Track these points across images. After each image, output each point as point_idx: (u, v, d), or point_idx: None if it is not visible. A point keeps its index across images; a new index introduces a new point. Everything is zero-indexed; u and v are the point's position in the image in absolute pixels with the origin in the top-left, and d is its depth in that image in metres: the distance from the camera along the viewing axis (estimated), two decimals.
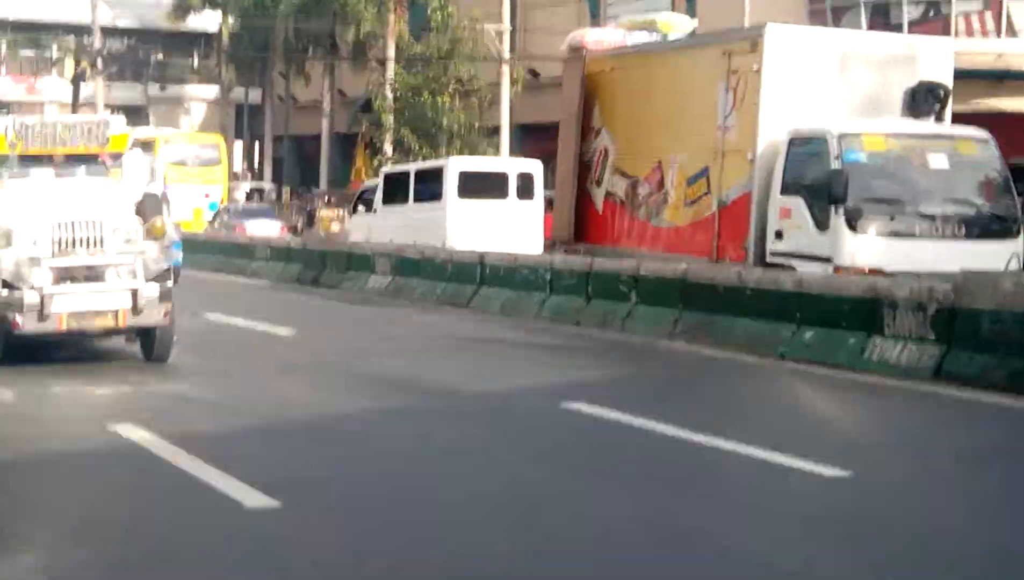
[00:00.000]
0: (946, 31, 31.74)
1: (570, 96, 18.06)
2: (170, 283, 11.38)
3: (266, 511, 6.65)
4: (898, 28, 31.93)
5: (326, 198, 39.13)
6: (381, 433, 9.11)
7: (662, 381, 12.17)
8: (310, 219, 38.00)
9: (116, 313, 11.08)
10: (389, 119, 35.39)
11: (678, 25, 18.54)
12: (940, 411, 10.42)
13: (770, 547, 6.25)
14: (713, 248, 15.21)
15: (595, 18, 37.22)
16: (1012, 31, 32.08)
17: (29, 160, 12.22)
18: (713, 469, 8.03)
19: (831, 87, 14.74)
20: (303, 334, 14.81)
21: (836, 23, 33.13)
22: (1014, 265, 12.87)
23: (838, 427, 9.78)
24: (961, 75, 29.95)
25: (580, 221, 17.93)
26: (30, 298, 10.85)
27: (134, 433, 8.61)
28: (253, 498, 6.82)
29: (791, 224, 14.19)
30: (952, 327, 11.46)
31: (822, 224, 13.76)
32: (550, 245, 19.73)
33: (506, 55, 34.37)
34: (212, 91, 53.37)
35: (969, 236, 13.68)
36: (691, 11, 35.34)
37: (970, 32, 32.58)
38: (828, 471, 7.64)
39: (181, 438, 8.39)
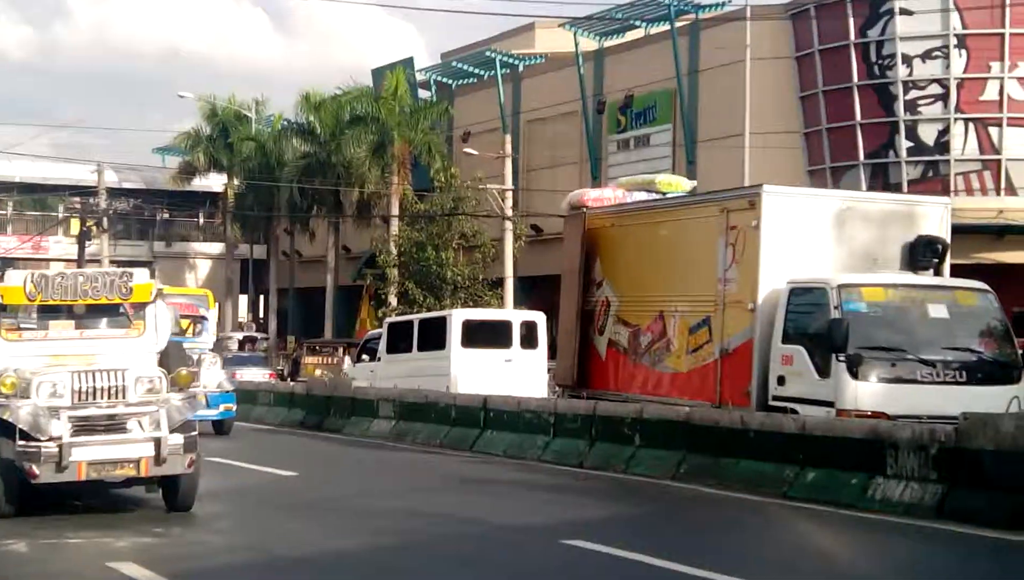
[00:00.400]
0: (945, 190, 32.61)
1: (572, 251, 18.61)
2: (195, 432, 11.20)
3: None
4: (897, 187, 32.81)
5: (314, 346, 39.53)
6: (380, 566, 9.21)
7: (663, 518, 12.31)
8: (295, 366, 38.45)
9: (138, 462, 10.87)
10: (394, 273, 36.00)
11: (677, 185, 19.14)
12: (938, 546, 10.53)
13: None
14: (716, 393, 15.44)
15: (596, 180, 38.13)
16: (1011, 189, 32.84)
17: (49, 311, 12.23)
18: None
19: (829, 242, 15.18)
20: (307, 475, 14.89)
21: (835, 182, 33.97)
22: (1015, 407, 13.01)
23: (835, 561, 9.84)
24: (963, 230, 30.84)
25: (584, 368, 18.22)
26: (48, 448, 10.65)
27: (133, 570, 8.73)
28: None
29: (793, 370, 14.42)
30: (954, 467, 11.61)
31: (823, 370, 13.99)
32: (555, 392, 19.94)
33: (509, 212, 35.11)
34: (217, 248, 54.20)
35: (970, 381, 13.87)
36: (691, 173, 36.30)
37: (969, 190, 33.39)
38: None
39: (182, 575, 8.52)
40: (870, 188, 32.82)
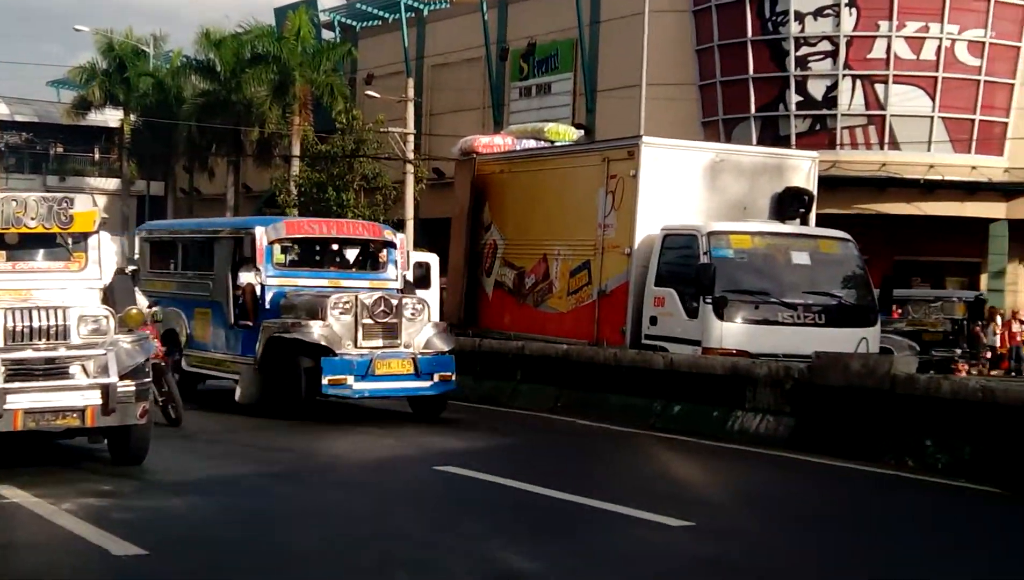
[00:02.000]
0: (832, 143, 33.77)
1: (462, 194, 19.30)
2: (148, 379, 10.15)
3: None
4: (786, 140, 33.88)
5: None
6: (264, 492, 9.82)
7: (534, 447, 13.11)
8: None
9: (83, 411, 9.70)
10: (294, 213, 36.21)
11: (565, 134, 19.84)
12: (787, 473, 11.44)
13: None
14: (594, 332, 16.26)
15: (498, 126, 38.62)
16: (895, 143, 34.04)
17: None
18: (567, 521, 8.79)
19: (702, 192, 16.02)
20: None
21: (728, 134, 34.94)
22: (863, 348, 13.97)
23: (690, 485, 10.69)
24: (848, 182, 32.05)
25: (472, 308, 18.93)
26: None
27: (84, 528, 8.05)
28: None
29: (664, 311, 15.28)
30: (806, 401, 12.57)
31: (692, 312, 14.86)
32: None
33: (410, 156, 35.53)
34: (113, 184, 53.65)
35: (828, 323, 14.83)
36: (591, 122, 37.06)
37: (854, 144, 34.54)
38: (675, 522, 8.51)
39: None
40: (760, 140, 33.82)
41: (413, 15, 43.58)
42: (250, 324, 14.78)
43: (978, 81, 33.81)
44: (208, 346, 15.50)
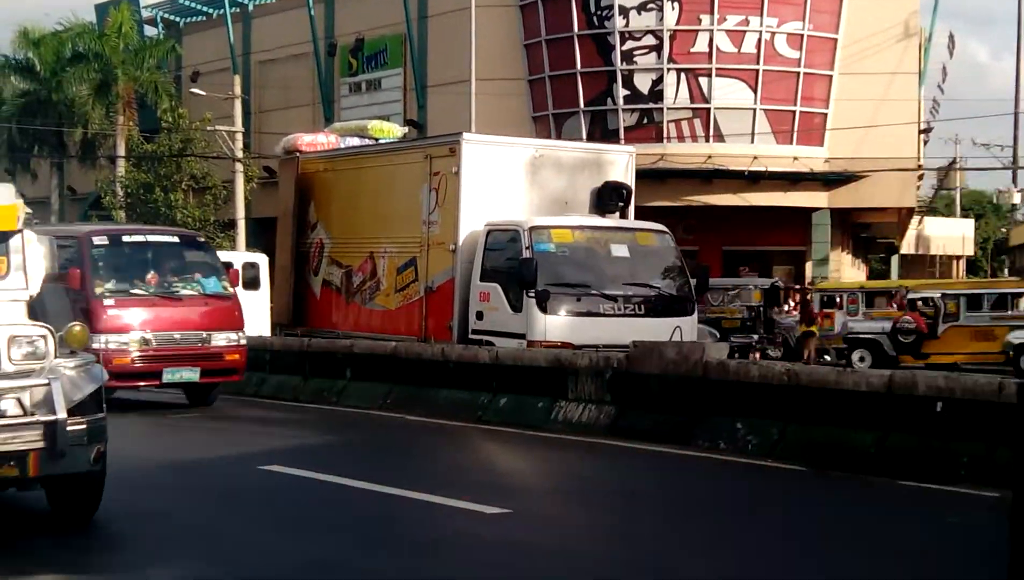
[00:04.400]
0: (659, 136, 34.52)
1: (286, 194, 19.26)
2: (102, 414, 8.00)
3: None
4: (615, 133, 34.50)
5: None
6: None
7: (362, 444, 13.22)
8: None
9: (23, 458, 7.54)
10: (120, 215, 35.44)
11: (389, 131, 19.94)
12: (605, 460, 11.78)
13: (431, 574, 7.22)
14: (421, 328, 16.42)
15: (329, 122, 38.39)
16: (720, 136, 34.94)
17: None
18: (386, 513, 8.94)
19: (524, 187, 16.33)
20: None
21: (558, 128, 35.42)
22: (677, 337, 14.43)
23: (511, 475, 10.93)
24: (675, 174, 32.79)
25: (300, 307, 18.90)
26: None
27: None
28: None
29: (490, 306, 15.53)
30: (625, 390, 12.92)
31: (517, 306, 15.16)
32: (275, 330, 20.52)
33: (239, 154, 35.11)
34: None
35: (647, 313, 15.28)
36: (422, 117, 37.14)
37: (681, 137, 35.35)
38: (490, 510, 8.72)
39: None
40: (590, 134, 34.39)
41: (238, 10, 43.02)
42: None
43: (798, 73, 34.90)
44: None
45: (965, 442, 10.15)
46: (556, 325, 14.86)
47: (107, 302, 14.78)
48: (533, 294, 14.83)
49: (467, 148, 16.05)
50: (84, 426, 7.79)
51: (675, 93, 35.11)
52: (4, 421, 7.62)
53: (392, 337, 16.49)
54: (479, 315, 15.67)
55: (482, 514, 8.63)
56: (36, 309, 8.85)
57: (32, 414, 7.65)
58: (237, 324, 15.58)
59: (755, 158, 34.31)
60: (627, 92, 35.32)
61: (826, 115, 35.25)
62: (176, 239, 16.33)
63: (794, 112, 35.10)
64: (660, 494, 10.08)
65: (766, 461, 11.16)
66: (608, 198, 16.60)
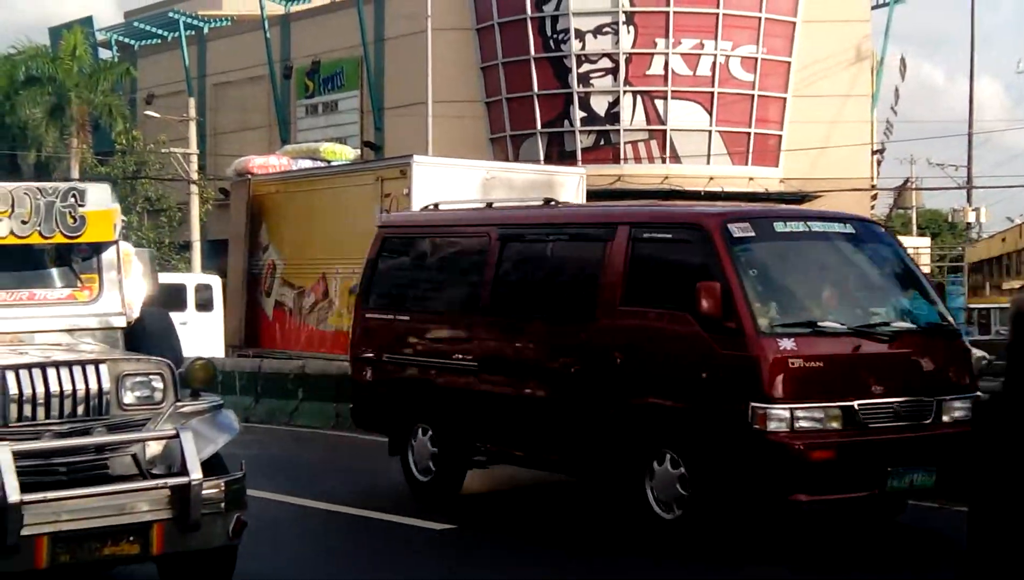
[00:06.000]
0: (616, 158, 34.71)
1: (238, 216, 19.25)
2: (241, 473, 6.34)
3: None
4: (572, 155, 34.64)
5: None
6: None
7: (311, 463, 13.18)
8: None
9: (145, 532, 5.97)
10: None
11: (341, 154, 19.94)
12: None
13: None
14: None
15: (286, 143, 38.31)
16: (676, 157, 35.17)
17: None
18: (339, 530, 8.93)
19: None
20: None
21: (516, 150, 35.50)
22: None
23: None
24: (632, 194, 32.93)
25: (253, 328, 18.81)
26: None
27: None
28: None
29: None
30: None
31: None
32: (228, 351, 20.40)
33: (194, 176, 34.97)
34: None
35: None
36: (379, 139, 37.13)
37: (638, 158, 35.54)
38: (438, 526, 8.62)
39: None
40: (547, 156, 34.51)
41: (193, 33, 42.91)
42: None
43: (752, 96, 35.25)
44: None
45: None
46: None
47: (783, 345, 7.88)
48: None
49: (417, 170, 16.05)
50: (221, 490, 6.12)
51: (631, 115, 35.34)
52: (119, 486, 6.02)
53: (345, 357, 16.37)
54: None
55: (430, 530, 8.67)
56: (132, 338, 7.24)
57: (154, 475, 6.14)
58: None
59: (711, 179, 34.61)
60: (584, 114, 35.49)
61: (780, 136, 35.60)
62: (854, 229, 9.09)
63: (749, 133, 35.42)
64: None
65: None
66: None
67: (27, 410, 6.00)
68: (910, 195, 53.80)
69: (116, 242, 7.30)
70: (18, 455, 5.72)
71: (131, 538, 5.95)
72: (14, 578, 5.74)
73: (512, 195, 16.59)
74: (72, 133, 38.81)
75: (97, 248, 7.27)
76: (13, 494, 5.58)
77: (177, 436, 6.09)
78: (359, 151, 21.39)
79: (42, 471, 5.95)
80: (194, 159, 35.27)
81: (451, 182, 16.31)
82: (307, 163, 19.59)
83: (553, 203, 10.74)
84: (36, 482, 5.81)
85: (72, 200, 7.11)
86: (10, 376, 6.02)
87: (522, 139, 36.09)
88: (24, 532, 5.60)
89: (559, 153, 35.09)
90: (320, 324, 17.61)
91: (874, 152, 38.08)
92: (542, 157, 34.24)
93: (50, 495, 5.75)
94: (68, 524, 5.76)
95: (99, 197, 7.25)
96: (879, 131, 40.03)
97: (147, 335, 7.29)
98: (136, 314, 7.30)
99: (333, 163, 19.36)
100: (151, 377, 6.38)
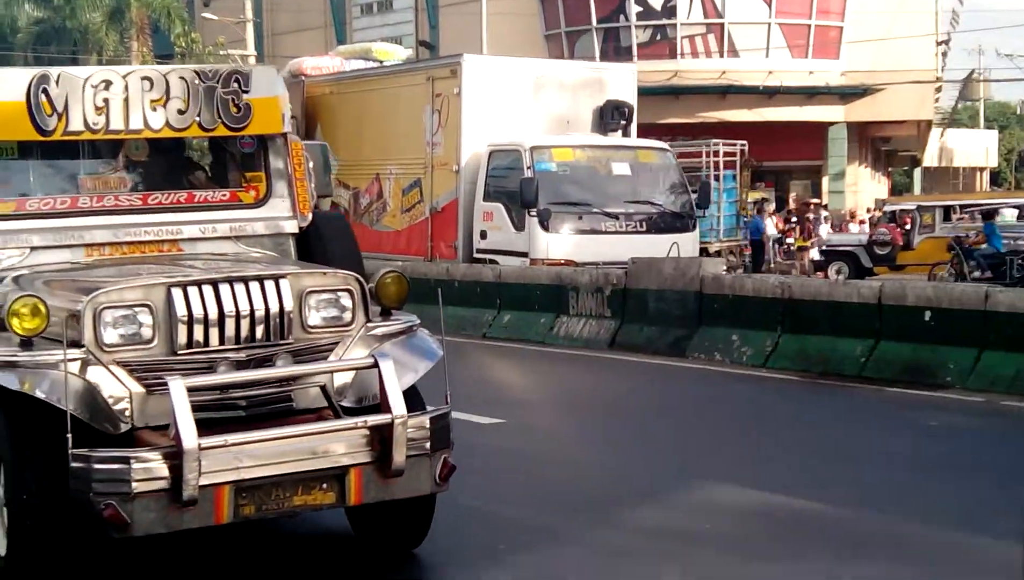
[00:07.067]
0: (672, 53, 34.34)
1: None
2: (445, 407, 5.42)
3: None
4: (628, 51, 34.31)
5: None
6: None
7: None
8: None
9: (341, 479, 5.06)
10: None
11: (392, 54, 20.03)
12: (605, 372, 12.07)
13: None
14: (427, 248, 16.67)
15: (342, 44, 38.37)
16: (734, 51, 34.75)
17: (63, 155, 6.22)
18: None
19: (526, 107, 16.43)
20: None
21: (571, 47, 35.27)
22: (674, 252, 14.61)
23: (509, 388, 11.24)
24: (689, 91, 32.67)
25: None
26: (147, 463, 4.74)
27: None
28: None
29: (493, 225, 15.77)
30: (624, 305, 13.16)
31: (519, 225, 15.38)
32: None
33: None
34: None
35: (648, 230, 15.45)
36: (434, 37, 37.04)
37: (695, 53, 35.15)
38: (486, 420, 9.00)
39: None
40: (602, 52, 34.22)
41: None
42: None
43: None
44: None
45: (952, 349, 10.37)
46: (558, 243, 15.07)
47: None
48: (535, 213, 15.03)
49: (468, 69, 16.15)
50: (426, 427, 5.20)
51: (688, 9, 34.80)
52: (311, 426, 5.11)
53: (399, 257, 16.74)
54: (483, 234, 15.90)
55: (477, 424, 8.89)
56: (305, 247, 6.25)
57: (346, 410, 5.28)
58: None
59: (770, 73, 34.16)
60: (640, 8, 35.02)
61: (842, 28, 34.94)
62: None
63: (809, 26, 34.81)
64: (654, 404, 10.37)
65: (760, 371, 11.42)
66: (610, 117, 16.70)
67: (198, 335, 5.07)
68: (977, 87, 52.82)
69: (285, 134, 6.35)
70: (192, 390, 4.86)
71: (324, 486, 5.04)
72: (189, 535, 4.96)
73: (562, 93, 16.72)
74: (132, 37, 39.11)
75: (263, 141, 6.33)
76: (190, 438, 4.70)
77: (376, 365, 5.15)
78: (412, 51, 21.42)
79: (219, 407, 5.09)
80: (252, 61, 35.44)
81: (501, 81, 16.44)
82: (360, 64, 19.72)
83: None
84: (213, 421, 4.97)
85: (235, 85, 6.16)
86: (176, 295, 5.07)
87: (577, 36, 35.77)
88: (204, 482, 4.74)
89: (614, 49, 34.77)
90: (375, 224, 17.91)
91: (939, 43, 37.31)
92: (597, 54, 33.96)
93: (231, 438, 4.84)
94: (252, 471, 4.87)
95: (265, 82, 6.30)
96: (944, 21, 39.16)
97: (322, 242, 6.25)
98: (308, 218, 6.33)
99: (385, 63, 19.49)
100: (339, 293, 5.40)
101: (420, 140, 16.78)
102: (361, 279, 5.46)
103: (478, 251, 15.94)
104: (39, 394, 4.80)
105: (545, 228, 15.08)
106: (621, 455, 8.16)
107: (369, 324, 5.45)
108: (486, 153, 15.89)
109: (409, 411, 5.11)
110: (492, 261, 15.44)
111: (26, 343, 4.92)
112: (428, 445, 5.19)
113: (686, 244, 15.23)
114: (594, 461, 7.98)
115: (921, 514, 6.47)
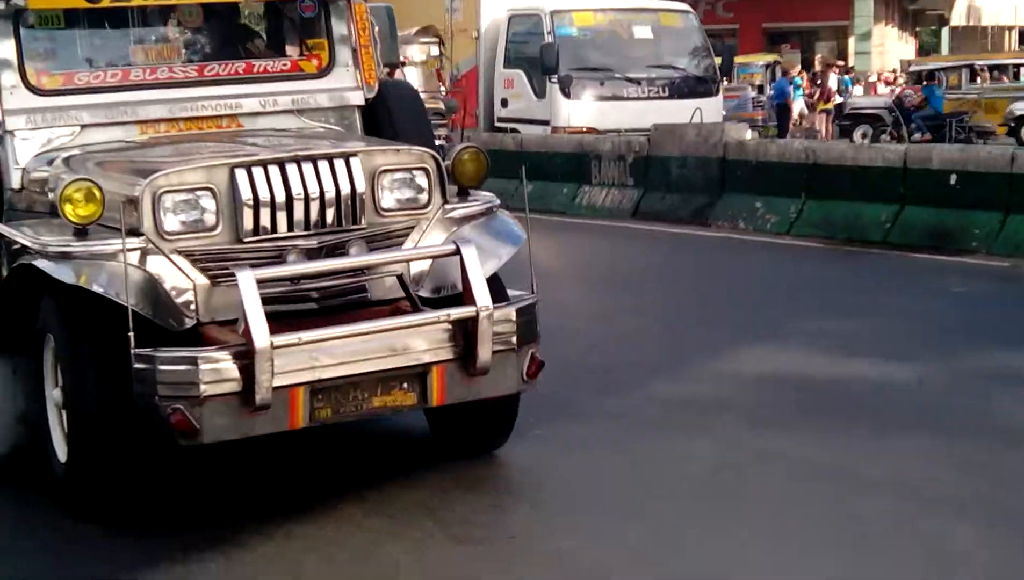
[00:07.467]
0: None
1: None
2: (532, 297, 4.94)
3: None
4: None
5: None
6: None
7: None
8: None
9: (422, 379, 4.63)
10: None
11: None
12: (627, 241, 12.04)
13: None
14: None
15: None
16: None
17: (121, 22, 5.68)
18: None
19: None
20: None
21: None
22: (697, 118, 14.45)
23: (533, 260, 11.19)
24: None
25: None
26: (215, 363, 4.31)
27: None
28: None
29: (514, 93, 15.59)
30: (646, 173, 13.06)
31: (540, 92, 15.18)
32: None
33: None
34: None
35: (671, 96, 15.25)
36: None
37: None
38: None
39: None
40: None
41: None
42: None
43: None
44: None
45: (978, 213, 10.28)
46: (579, 110, 14.92)
47: None
48: (556, 80, 14.84)
49: None
50: (513, 320, 4.70)
51: None
52: (389, 321, 4.64)
53: None
54: (504, 102, 15.74)
55: None
56: (373, 122, 5.72)
57: (424, 301, 4.81)
58: None
59: None
60: None
61: None
62: None
63: None
64: (678, 274, 10.35)
65: (784, 238, 11.37)
66: None
67: (264, 221, 4.59)
68: None
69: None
70: (265, 282, 4.40)
71: (405, 385, 4.61)
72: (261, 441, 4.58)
73: None
74: None
75: (325, 4, 5.74)
76: (262, 336, 4.24)
77: (458, 252, 4.63)
78: None
79: (290, 300, 4.64)
80: None
81: None
82: None
83: None
84: (282, 314, 4.51)
85: None
86: (241, 176, 4.58)
87: None
88: (277, 383, 4.31)
89: None
90: None
91: None
92: None
93: (305, 336, 4.37)
94: (329, 370, 4.44)
95: None
96: None
97: (390, 116, 5.73)
98: (375, 91, 5.74)
99: None
100: (414, 172, 4.89)
101: (439, 5, 16.54)
102: (437, 156, 4.95)
103: (499, 120, 15.80)
104: (97, 288, 4.36)
105: (566, 95, 14.91)
106: (645, 326, 8.17)
107: (447, 206, 4.94)
108: (506, 18, 15.64)
109: (493, 302, 4.61)
110: (513, 130, 15.31)
111: (80, 232, 4.48)
112: (514, 339, 4.70)
113: (709, 109, 15.04)
114: (618, 333, 8.00)
115: (946, 380, 6.48)
